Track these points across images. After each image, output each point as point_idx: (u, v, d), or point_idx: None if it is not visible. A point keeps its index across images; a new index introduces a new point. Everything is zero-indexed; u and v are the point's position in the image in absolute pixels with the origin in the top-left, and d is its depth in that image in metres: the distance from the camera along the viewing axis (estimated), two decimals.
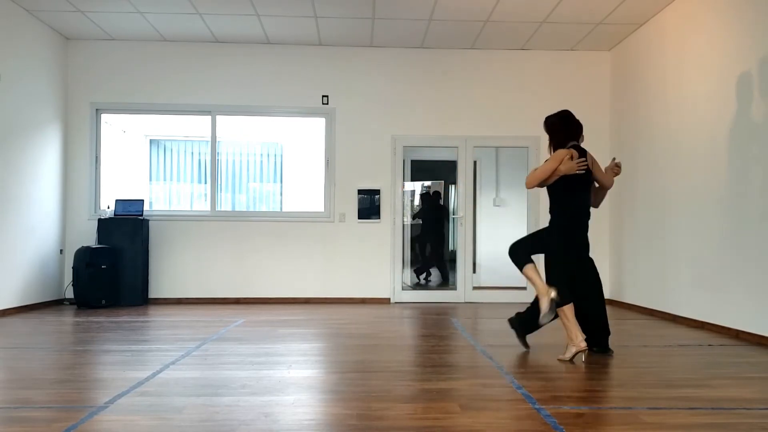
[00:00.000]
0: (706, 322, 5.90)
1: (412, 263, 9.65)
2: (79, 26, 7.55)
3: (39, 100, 7.42)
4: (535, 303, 4.64)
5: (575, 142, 4.59)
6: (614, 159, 4.75)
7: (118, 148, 9.21)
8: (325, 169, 8.28)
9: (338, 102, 8.23)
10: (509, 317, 5.03)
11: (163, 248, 8.06)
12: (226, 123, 8.77)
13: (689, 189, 6.24)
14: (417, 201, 10.72)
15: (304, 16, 7.20)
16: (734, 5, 5.62)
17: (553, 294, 4.34)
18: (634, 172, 7.47)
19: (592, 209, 4.68)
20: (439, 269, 10.22)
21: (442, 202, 10.74)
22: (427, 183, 11.81)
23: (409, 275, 9.07)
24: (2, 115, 6.71)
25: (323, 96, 8.24)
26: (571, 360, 4.38)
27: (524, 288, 8.28)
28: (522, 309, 4.93)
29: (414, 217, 10.58)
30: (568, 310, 4.37)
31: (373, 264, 8.19)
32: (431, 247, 10.26)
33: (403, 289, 8.33)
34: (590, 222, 4.63)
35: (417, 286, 9.59)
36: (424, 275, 10.08)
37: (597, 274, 4.68)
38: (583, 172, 4.47)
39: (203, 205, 9.74)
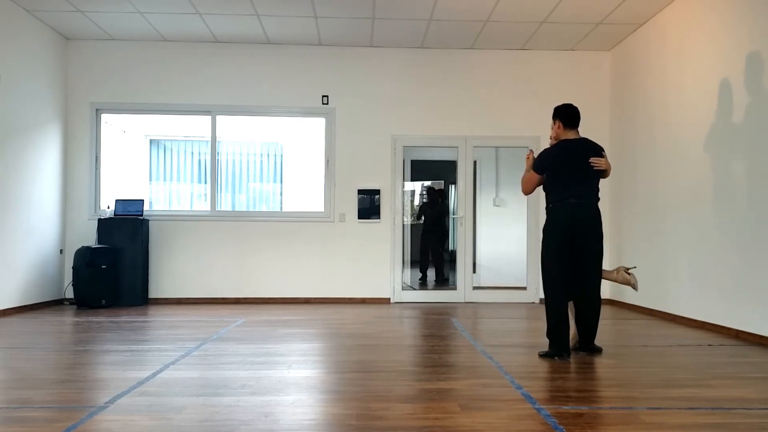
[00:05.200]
0: (706, 322, 5.90)
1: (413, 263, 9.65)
2: (79, 26, 7.55)
3: (39, 100, 7.42)
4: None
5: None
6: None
7: (118, 148, 9.20)
8: (325, 169, 8.28)
9: (338, 102, 8.23)
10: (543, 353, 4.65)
11: (163, 248, 8.06)
12: (226, 123, 8.76)
13: (689, 189, 6.24)
14: (420, 200, 10.70)
15: (304, 16, 7.20)
16: (734, 5, 5.62)
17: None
18: (633, 171, 7.47)
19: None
20: (438, 268, 10.20)
21: (441, 200, 10.73)
22: (427, 183, 11.82)
23: (409, 275, 9.06)
24: (2, 115, 6.71)
25: (323, 96, 8.24)
26: None
27: (524, 288, 8.30)
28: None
29: (419, 216, 10.59)
30: None
31: (373, 264, 8.18)
32: (433, 246, 10.22)
33: (403, 289, 8.32)
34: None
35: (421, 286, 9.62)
36: (420, 277, 10.06)
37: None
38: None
39: (203, 205, 9.74)
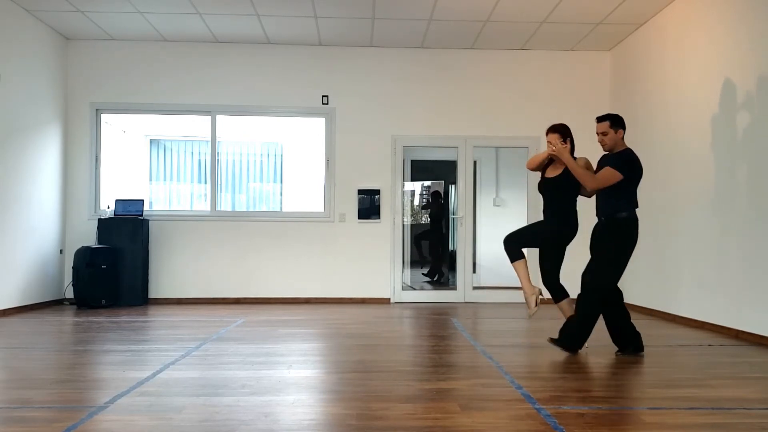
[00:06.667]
0: (706, 322, 5.90)
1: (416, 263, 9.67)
2: (79, 26, 7.55)
3: (39, 100, 7.42)
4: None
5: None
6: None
7: (118, 148, 9.20)
8: (325, 169, 8.28)
9: (338, 102, 8.23)
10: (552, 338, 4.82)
11: (163, 248, 8.06)
12: (226, 123, 8.76)
13: (689, 189, 6.24)
14: (423, 200, 10.73)
15: (304, 16, 7.20)
16: (734, 5, 5.62)
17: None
18: None
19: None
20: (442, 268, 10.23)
21: (442, 201, 10.74)
22: (427, 183, 11.81)
23: (409, 275, 9.06)
24: (2, 115, 6.71)
25: (323, 96, 8.24)
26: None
27: None
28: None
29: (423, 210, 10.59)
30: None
31: (373, 264, 8.18)
32: (438, 246, 10.23)
33: (403, 289, 8.32)
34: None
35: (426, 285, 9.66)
36: (436, 276, 10.07)
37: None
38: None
39: (203, 205, 9.74)
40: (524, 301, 4.84)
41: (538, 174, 5.07)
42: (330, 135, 8.24)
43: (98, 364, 4.53)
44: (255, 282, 8.12)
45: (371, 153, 8.22)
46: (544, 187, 4.90)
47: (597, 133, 4.73)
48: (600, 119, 4.74)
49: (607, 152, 4.75)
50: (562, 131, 4.79)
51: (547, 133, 4.87)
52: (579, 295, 4.63)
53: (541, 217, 5.06)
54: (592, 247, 4.72)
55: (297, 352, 4.83)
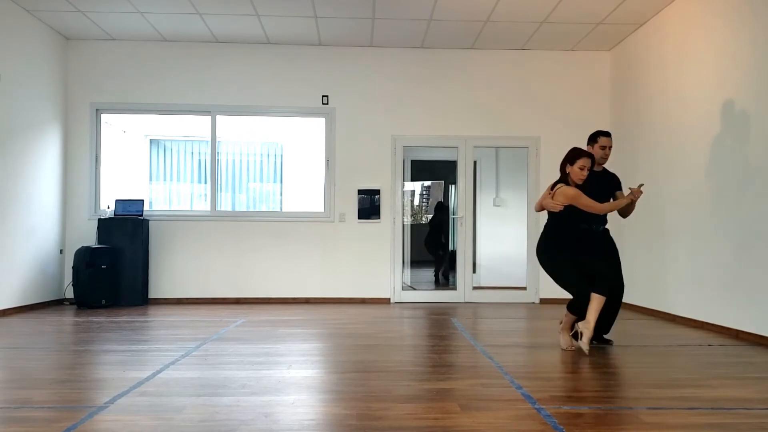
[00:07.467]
0: (706, 322, 5.90)
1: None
2: (79, 26, 7.55)
3: (39, 100, 7.42)
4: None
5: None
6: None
7: (118, 148, 9.20)
8: (325, 169, 8.28)
9: (338, 102, 8.23)
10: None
11: (163, 248, 8.06)
12: (226, 123, 8.76)
13: (689, 189, 6.24)
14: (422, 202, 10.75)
15: (304, 16, 7.20)
16: (734, 5, 5.62)
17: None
18: (633, 172, 7.46)
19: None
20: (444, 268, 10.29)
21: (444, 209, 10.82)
22: (427, 183, 11.82)
23: (409, 275, 9.06)
24: (2, 115, 6.71)
25: (323, 96, 8.24)
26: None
27: (524, 288, 8.29)
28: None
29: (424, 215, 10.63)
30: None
31: (373, 264, 8.18)
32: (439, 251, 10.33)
33: (403, 289, 8.32)
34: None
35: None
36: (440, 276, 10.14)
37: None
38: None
39: (203, 205, 9.73)
40: (581, 332, 4.67)
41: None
42: (330, 135, 8.24)
43: (98, 364, 4.53)
44: (255, 282, 8.12)
45: (371, 153, 8.23)
46: (576, 213, 4.83)
47: (603, 147, 4.81)
48: (607, 134, 4.87)
49: (594, 168, 4.90)
50: (592, 158, 4.84)
51: (578, 157, 4.74)
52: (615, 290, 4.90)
53: (539, 217, 5.10)
54: (603, 251, 5.08)
55: (297, 352, 4.83)
